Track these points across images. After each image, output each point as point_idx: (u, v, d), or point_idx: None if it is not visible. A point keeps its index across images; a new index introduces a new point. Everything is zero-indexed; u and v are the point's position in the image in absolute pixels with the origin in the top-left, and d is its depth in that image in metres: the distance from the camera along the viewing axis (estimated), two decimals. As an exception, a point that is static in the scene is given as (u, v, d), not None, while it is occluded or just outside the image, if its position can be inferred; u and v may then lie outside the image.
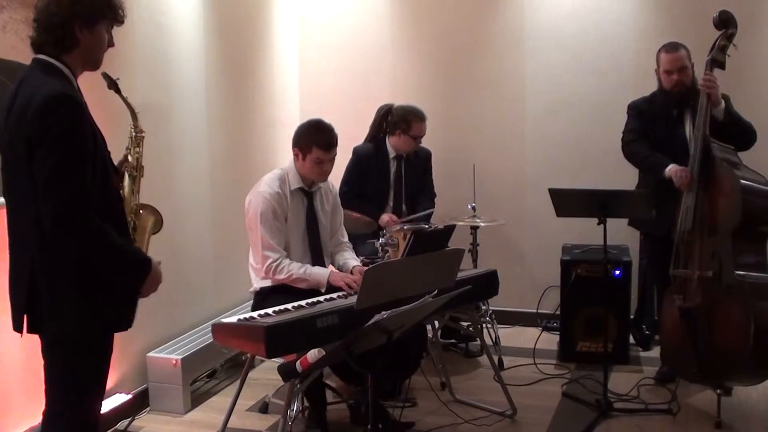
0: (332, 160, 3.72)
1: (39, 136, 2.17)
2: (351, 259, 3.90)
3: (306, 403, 3.72)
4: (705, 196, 3.82)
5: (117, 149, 2.57)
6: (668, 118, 4.17)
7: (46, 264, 2.27)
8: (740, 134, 4.00)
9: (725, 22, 3.87)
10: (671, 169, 3.95)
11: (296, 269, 3.60)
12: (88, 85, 2.52)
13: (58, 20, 2.29)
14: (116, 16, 2.41)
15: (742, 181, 3.69)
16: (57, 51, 2.32)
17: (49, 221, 2.18)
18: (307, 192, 3.78)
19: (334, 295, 3.39)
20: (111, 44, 2.44)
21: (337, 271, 3.80)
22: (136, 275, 2.38)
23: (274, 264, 3.59)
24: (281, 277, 3.59)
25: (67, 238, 2.20)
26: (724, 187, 3.74)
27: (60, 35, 2.30)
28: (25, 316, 2.33)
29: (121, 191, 2.51)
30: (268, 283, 3.68)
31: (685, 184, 3.87)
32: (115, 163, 2.54)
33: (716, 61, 3.89)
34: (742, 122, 4.02)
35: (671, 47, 4.12)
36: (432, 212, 4.86)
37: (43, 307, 2.29)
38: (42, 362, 2.42)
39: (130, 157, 2.57)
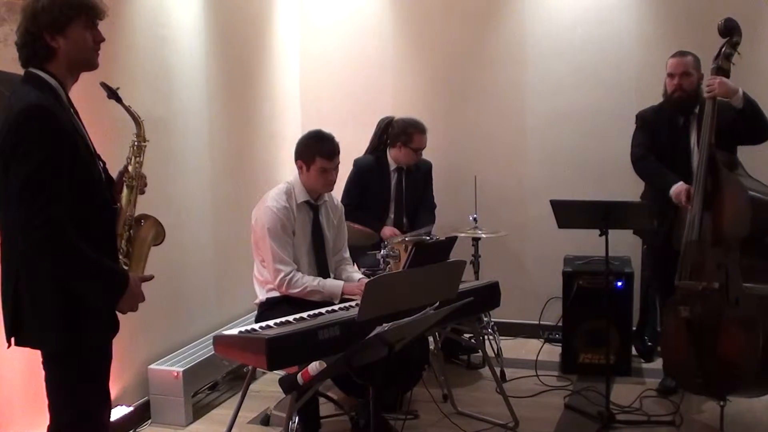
0: (336, 169, 3.73)
1: (11, 150, 2.15)
2: (354, 273, 3.92)
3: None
4: (710, 206, 3.78)
5: (117, 161, 2.56)
6: (674, 127, 4.16)
7: (28, 278, 2.25)
8: (759, 125, 3.89)
9: (730, 30, 3.84)
10: (674, 190, 3.95)
11: (310, 281, 3.60)
12: (87, 95, 2.51)
13: (29, 35, 2.28)
14: (91, 11, 2.34)
15: (750, 192, 3.64)
16: (39, 63, 2.30)
17: (21, 235, 2.15)
18: (313, 205, 3.78)
19: (336, 307, 3.39)
20: (101, 39, 2.37)
21: (348, 282, 3.80)
22: (110, 292, 2.30)
23: (288, 277, 3.58)
24: (296, 290, 3.59)
25: (40, 252, 2.16)
26: (730, 197, 3.70)
27: (33, 49, 2.29)
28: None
29: (119, 202, 2.48)
30: (273, 294, 3.68)
31: (682, 202, 3.90)
32: (115, 173, 2.53)
33: (721, 69, 3.86)
34: (761, 111, 3.90)
35: (679, 53, 4.15)
36: (430, 230, 4.85)
37: (27, 320, 2.27)
38: (43, 373, 2.40)
39: (129, 167, 2.53)
